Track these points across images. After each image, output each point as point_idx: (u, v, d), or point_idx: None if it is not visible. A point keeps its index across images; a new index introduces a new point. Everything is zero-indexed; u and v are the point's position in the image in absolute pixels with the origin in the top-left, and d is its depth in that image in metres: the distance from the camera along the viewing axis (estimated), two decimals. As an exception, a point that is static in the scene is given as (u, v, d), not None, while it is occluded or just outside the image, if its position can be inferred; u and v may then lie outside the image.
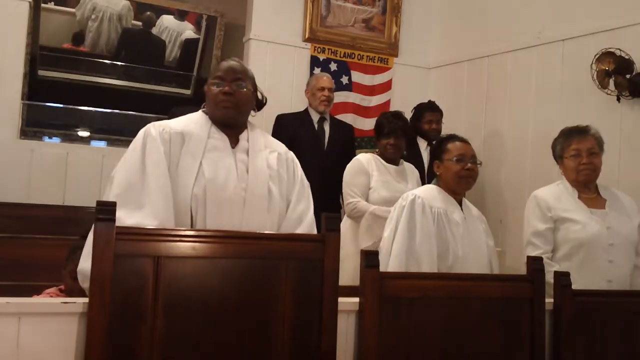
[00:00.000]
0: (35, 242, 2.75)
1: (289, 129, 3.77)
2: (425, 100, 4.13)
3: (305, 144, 3.74)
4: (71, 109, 5.01)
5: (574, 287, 2.10)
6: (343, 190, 3.27)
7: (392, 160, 3.25)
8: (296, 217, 2.01)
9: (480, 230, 2.49)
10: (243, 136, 2.00)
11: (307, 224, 2.01)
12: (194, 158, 1.88)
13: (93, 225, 1.76)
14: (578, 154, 2.54)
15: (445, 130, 4.08)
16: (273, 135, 3.76)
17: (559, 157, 2.62)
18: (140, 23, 5.43)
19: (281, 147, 2.11)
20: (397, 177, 3.21)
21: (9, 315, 1.51)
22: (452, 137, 2.56)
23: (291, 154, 2.12)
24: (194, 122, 1.98)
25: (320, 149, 3.80)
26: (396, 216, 2.40)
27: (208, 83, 1.99)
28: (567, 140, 2.58)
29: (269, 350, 1.68)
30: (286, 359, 1.69)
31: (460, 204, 2.47)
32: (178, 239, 1.64)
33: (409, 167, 3.33)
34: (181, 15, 5.53)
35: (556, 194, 2.57)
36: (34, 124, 4.61)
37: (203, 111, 2.03)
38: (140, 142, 1.87)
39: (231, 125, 1.99)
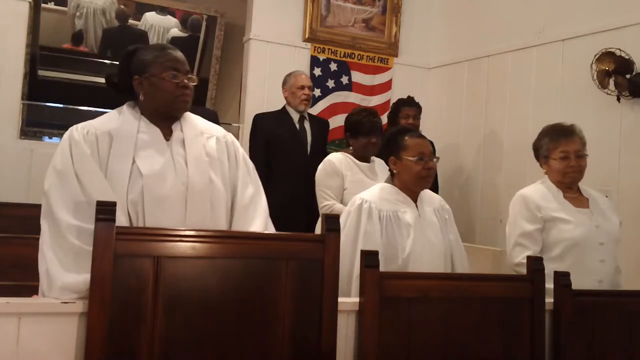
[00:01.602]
0: (35, 242, 2.74)
1: (268, 128, 3.71)
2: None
3: (288, 144, 3.68)
4: (71, 109, 5.00)
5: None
6: (316, 192, 3.20)
7: (363, 158, 3.19)
8: (247, 204, 1.91)
9: (435, 226, 2.36)
10: (176, 126, 1.88)
11: (262, 215, 1.92)
12: (124, 159, 1.77)
13: (43, 237, 1.69)
14: (566, 156, 2.49)
15: (445, 130, 4.11)
16: (251, 135, 3.77)
17: (543, 157, 2.57)
18: (117, 20, 5.40)
19: (219, 130, 1.99)
20: (370, 175, 3.15)
21: (9, 315, 1.51)
22: (408, 131, 2.45)
23: (230, 136, 1.99)
24: (120, 118, 1.84)
25: (304, 149, 3.74)
26: (344, 221, 2.29)
27: (158, 73, 1.82)
28: (554, 141, 2.53)
29: (269, 350, 1.68)
30: (286, 359, 1.69)
31: (416, 199, 2.37)
32: (178, 239, 1.64)
33: (379, 163, 3.22)
34: (162, 9, 5.49)
35: (542, 193, 2.53)
36: (34, 124, 4.61)
37: (129, 104, 1.89)
38: (66, 150, 1.75)
39: (176, 119, 1.89)
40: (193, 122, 1.94)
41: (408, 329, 1.84)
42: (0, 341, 1.50)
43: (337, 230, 1.78)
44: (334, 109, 4.49)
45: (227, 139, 1.97)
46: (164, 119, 1.87)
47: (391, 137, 2.45)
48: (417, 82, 4.83)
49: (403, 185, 2.37)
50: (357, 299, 1.83)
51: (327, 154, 3.49)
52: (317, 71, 4.51)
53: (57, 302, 1.58)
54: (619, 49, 3.29)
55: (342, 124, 4.27)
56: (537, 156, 2.63)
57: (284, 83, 3.84)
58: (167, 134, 1.87)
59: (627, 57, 3.27)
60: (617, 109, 3.36)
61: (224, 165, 1.92)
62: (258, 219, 1.92)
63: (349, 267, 2.21)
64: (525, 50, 4.00)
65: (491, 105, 4.28)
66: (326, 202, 3.14)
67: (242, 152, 2.00)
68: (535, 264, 2.06)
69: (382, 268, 2.17)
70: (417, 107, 3.96)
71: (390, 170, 2.43)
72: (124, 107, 1.89)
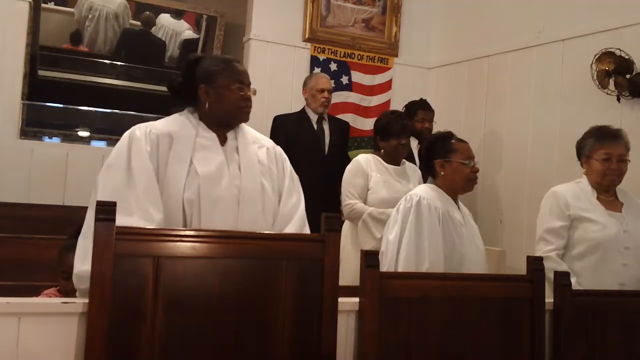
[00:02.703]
0: (35, 242, 2.75)
1: (287, 129, 3.75)
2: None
3: (306, 144, 3.72)
4: (71, 109, 5.00)
5: (586, 288, 2.09)
6: (341, 192, 3.27)
7: (393, 160, 3.24)
8: (288, 212, 1.99)
9: (475, 228, 2.48)
10: (230, 134, 1.98)
11: (299, 216, 2.00)
12: (182, 160, 1.85)
13: (84, 227, 1.75)
14: (608, 158, 2.50)
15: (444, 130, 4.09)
16: (271, 136, 3.77)
17: (585, 156, 2.58)
18: (139, 23, 5.43)
19: (268, 141, 2.09)
20: (397, 177, 3.20)
21: (9, 315, 1.51)
22: (453, 136, 2.53)
23: (279, 148, 2.10)
24: (180, 122, 1.95)
25: (322, 149, 3.79)
26: (402, 218, 2.35)
27: (226, 84, 1.92)
28: (599, 142, 2.53)
29: (269, 350, 1.68)
30: (286, 359, 1.69)
31: (456, 201, 2.47)
32: (178, 239, 1.64)
33: (410, 167, 3.31)
34: (178, 14, 5.52)
35: (575, 192, 2.55)
36: (34, 124, 4.61)
37: (188, 110, 1.98)
38: (125, 145, 1.83)
39: (234, 127, 1.99)
40: (246, 131, 2.03)
41: (408, 329, 1.84)
42: (0, 341, 1.50)
43: (337, 230, 1.78)
44: (334, 109, 4.47)
45: (276, 150, 2.07)
46: (223, 126, 1.96)
47: (437, 140, 2.53)
48: (417, 82, 4.82)
49: (448, 187, 2.44)
50: (357, 299, 1.83)
51: (347, 154, 3.50)
52: (317, 71, 4.50)
53: (57, 302, 1.59)
54: (619, 49, 3.28)
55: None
56: (580, 155, 2.63)
57: (305, 84, 3.88)
58: (222, 140, 1.95)
59: (627, 57, 3.27)
60: (617, 109, 3.36)
61: (273, 174, 2.00)
62: (294, 222, 1.98)
63: (416, 261, 2.26)
64: (525, 50, 4.00)
65: (491, 105, 4.28)
66: (349, 200, 3.19)
67: (289, 164, 2.09)
68: (535, 264, 2.06)
69: (443, 264, 2.27)
70: (432, 111, 3.97)
71: (434, 172, 2.49)
72: (185, 112, 1.98)
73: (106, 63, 5.38)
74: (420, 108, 3.94)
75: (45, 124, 4.82)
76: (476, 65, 4.43)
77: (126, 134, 1.87)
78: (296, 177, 2.09)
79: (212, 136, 1.93)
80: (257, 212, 1.90)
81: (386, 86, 4.77)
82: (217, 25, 5.49)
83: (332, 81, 4.56)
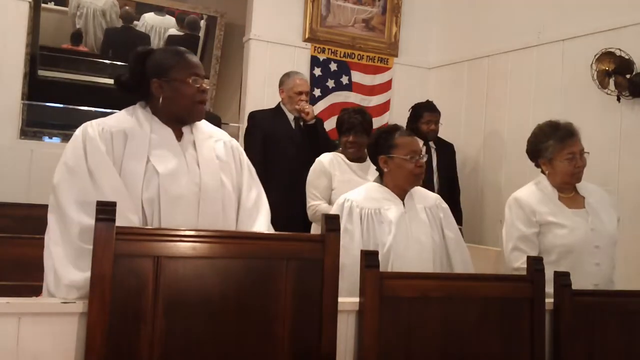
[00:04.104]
0: (35, 242, 2.74)
1: (264, 126, 3.65)
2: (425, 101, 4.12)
3: (284, 142, 3.62)
4: (71, 109, 5.00)
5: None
6: (306, 192, 3.19)
7: (355, 157, 3.14)
8: (251, 206, 1.96)
9: (423, 224, 2.36)
10: (186, 129, 1.91)
11: (266, 210, 1.98)
12: (139, 158, 1.79)
13: (51, 232, 1.70)
14: (573, 157, 2.47)
15: (445, 130, 4.10)
16: (247, 133, 3.73)
17: (547, 158, 2.52)
18: (122, 20, 5.41)
19: (224, 135, 2.03)
20: (361, 174, 3.10)
21: (9, 315, 1.51)
22: (397, 129, 2.43)
23: (234, 141, 2.04)
24: (133, 117, 1.87)
25: (299, 147, 3.66)
26: None
27: (181, 77, 1.84)
28: (560, 143, 2.49)
29: (268, 350, 1.68)
30: (286, 359, 1.69)
31: (404, 197, 2.37)
32: (178, 239, 1.64)
33: None
34: (160, 10, 5.48)
35: (537, 196, 2.51)
36: (34, 124, 4.61)
37: (140, 104, 1.90)
38: (80, 145, 1.76)
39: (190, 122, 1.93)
40: (201, 125, 1.97)
41: (408, 329, 1.84)
42: (0, 341, 1.50)
43: (337, 230, 1.78)
44: (333, 109, 4.48)
45: (232, 143, 2.02)
46: (178, 121, 1.90)
47: (380, 136, 2.44)
48: (417, 82, 4.83)
49: (394, 183, 2.37)
50: (357, 299, 1.83)
51: (321, 150, 3.46)
52: (317, 71, 4.51)
53: (57, 302, 1.58)
54: (619, 49, 3.29)
55: (342, 124, 4.31)
56: (538, 157, 2.57)
57: (281, 84, 3.78)
58: (178, 136, 1.89)
59: (627, 57, 3.27)
60: (617, 109, 3.36)
61: (232, 169, 1.96)
62: (261, 220, 1.96)
63: None
64: (525, 50, 4.00)
65: (491, 105, 4.28)
66: (313, 202, 3.13)
67: (245, 156, 2.05)
68: (535, 264, 2.06)
69: (357, 267, 2.18)
70: (438, 113, 3.96)
71: (379, 169, 2.42)
72: (136, 107, 1.91)
73: (106, 63, 5.38)
74: (426, 110, 3.94)
75: (45, 124, 4.81)
76: (476, 65, 4.43)
77: (78, 133, 1.79)
78: (253, 169, 2.05)
79: (167, 131, 1.86)
80: (217, 209, 1.86)
81: (386, 86, 4.77)
82: (217, 25, 5.49)
83: (332, 81, 4.57)
